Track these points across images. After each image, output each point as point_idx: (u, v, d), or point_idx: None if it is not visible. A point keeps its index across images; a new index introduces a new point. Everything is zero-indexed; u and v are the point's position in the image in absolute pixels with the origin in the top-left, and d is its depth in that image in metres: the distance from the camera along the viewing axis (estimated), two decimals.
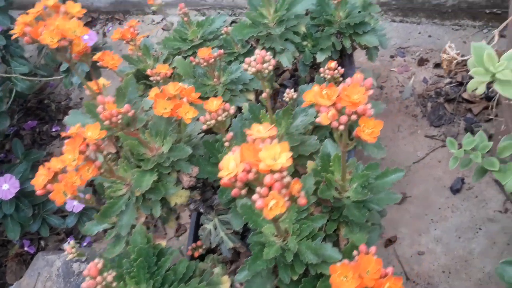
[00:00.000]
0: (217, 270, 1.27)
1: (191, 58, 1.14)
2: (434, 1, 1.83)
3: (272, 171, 0.61)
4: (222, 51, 1.15)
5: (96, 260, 0.82)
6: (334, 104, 0.68)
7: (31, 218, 1.76)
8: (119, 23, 2.87)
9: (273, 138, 0.65)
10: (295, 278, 0.93)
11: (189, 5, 2.52)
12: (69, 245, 1.04)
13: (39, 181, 0.89)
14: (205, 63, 1.15)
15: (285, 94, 1.20)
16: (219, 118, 0.90)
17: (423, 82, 1.88)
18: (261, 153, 0.61)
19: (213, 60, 1.16)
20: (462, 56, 1.02)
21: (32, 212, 1.78)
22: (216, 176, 1.07)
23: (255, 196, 0.61)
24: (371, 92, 0.71)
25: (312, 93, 0.69)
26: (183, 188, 1.07)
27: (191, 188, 1.15)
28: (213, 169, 1.08)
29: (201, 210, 1.22)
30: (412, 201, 1.64)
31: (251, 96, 1.31)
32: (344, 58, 1.54)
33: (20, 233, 1.79)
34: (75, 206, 1.80)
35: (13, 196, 1.64)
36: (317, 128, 1.24)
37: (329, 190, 0.98)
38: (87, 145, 0.82)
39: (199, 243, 1.24)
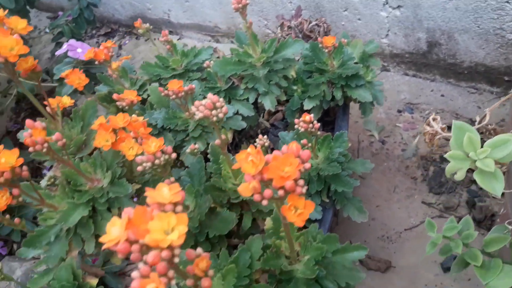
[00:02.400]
0: None
1: (160, 88, 1.06)
2: (450, 59, 1.71)
3: (160, 248, 0.50)
4: (193, 86, 1.07)
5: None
6: (261, 173, 0.58)
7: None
8: (136, 38, 2.87)
9: (176, 204, 0.54)
10: None
11: (204, 31, 2.50)
12: None
13: None
14: (174, 96, 1.07)
15: (257, 140, 1.11)
16: (156, 161, 0.80)
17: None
18: (151, 223, 0.51)
19: (183, 93, 1.08)
20: (447, 131, 0.90)
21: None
22: None
23: (134, 274, 0.50)
24: (308, 165, 0.60)
25: (239, 157, 0.59)
26: None
27: None
28: None
29: None
30: (397, 271, 1.48)
31: (228, 135, 1.22)
32: (337, 108, 1.43)
33: None
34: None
35: None
36: None
37: (277, 258, 0.86)
38: (2, 172, 0.74)
39: None
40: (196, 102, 0.81)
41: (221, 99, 0.80)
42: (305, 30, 1.42)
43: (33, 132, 0.78)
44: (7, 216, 0.94)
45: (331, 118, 1.51)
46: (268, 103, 1.25)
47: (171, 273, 0.50)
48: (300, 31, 1.42)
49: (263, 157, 0.57)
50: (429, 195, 1.61)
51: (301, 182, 0.57)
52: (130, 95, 1.09)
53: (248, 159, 0.57)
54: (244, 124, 1.26)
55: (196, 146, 1.06)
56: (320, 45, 1.20)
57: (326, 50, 1.17)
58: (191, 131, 1.17)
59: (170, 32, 2.73)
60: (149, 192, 0.55)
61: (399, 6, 1.65)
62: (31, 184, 0.85)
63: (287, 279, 0.87)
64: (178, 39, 2.79)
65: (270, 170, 0.57)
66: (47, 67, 2.38)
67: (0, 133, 2.67)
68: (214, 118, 0.79)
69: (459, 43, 1.62)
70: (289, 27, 1.43)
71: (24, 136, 0.78)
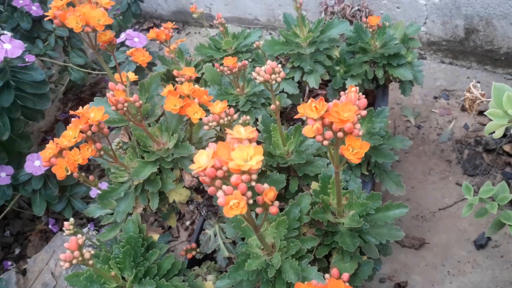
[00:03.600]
0: (211, 277, 1.26)
1: (216, 64, 1.16)
2: (487, 46, 1.75)
3: (241, 172, 0.60)
4: (246, 62, 1.17)
5: (79, 236, 0.84)
6: (322, 118, 0.67)
7: (56, 197, 1.85)
8: (177, 32, 3.01)
9: (252, 141, 0.64)
10: None
11: (244, 23, 2.60)
12: (69, 222, 1.07)
13: (46, 154, 0.93)
14: (228, 72, 1.17)
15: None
16: (221, 121, 0.90)
17: (463, 128, 1.79)
18: (233, 153, 0.61)
19: (236, 69, 1.18)
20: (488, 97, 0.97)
21: (59, 192, 1.87)
22: None
23: (219, 193, 0.60)
24: (364, 113, 0.69)
25: (303, 105, 0.68)
26: (184, 186, 1.08)
27: (194, 190, 1.16)
28: None
29: (202, 213, 1.22)
30: (430, 248, 1.54)
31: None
32: (378, 88, 1.51)
33: (44, 209, 1.88)
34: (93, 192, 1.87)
35: (42, 173, 1.73)
36: None
37: (324, 213, 0.95)
38: (90, 126, 0.86)
39: (193, 245, 1.24)
40: (257, 68, 0.90)
41: (279, 66, 0.89)
42: (347, 15, 1.50)
43: (115, 93, 0.90)
44: None
45: (369, 101, 1.58)
46: (312, 81, 1.33)
47: (249, 193, 0.60)
48: (343, 16, 1.50)
49: (326, 103, 0.66)
50: (463, 177, 1.66)
51: (358, 125, 0.66)
52: (188, 72, 1.20)
53: (312, 106, 0.66)
54: (289, 101, 1.35)
55: (248, 117, 1.15)
56: (364, 26, 1.28)
57: (370, 30, 1.25)
58: (241, 106, 1.27)
59: (210, 26, 2.85)
60: (228, 131, 0.65)
61: None
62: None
63: (332, 232, 0.95)
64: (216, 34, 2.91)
65: (331, 115, 0.66)
66: (92, 59, 2.55)
67: (49, 121, 2.86)
68: (273, 82, 0.88)
69: (497, 29, 1.66)
70: (332, 12, 1.52)
71: (107, 96, 0.89)
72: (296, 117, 0.75)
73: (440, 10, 1.76)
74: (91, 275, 0.97)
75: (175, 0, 2.88)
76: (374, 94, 1.56)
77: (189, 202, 1.21)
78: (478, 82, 1.89)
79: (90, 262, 0.84)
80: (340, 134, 0.66)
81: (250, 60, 1.40)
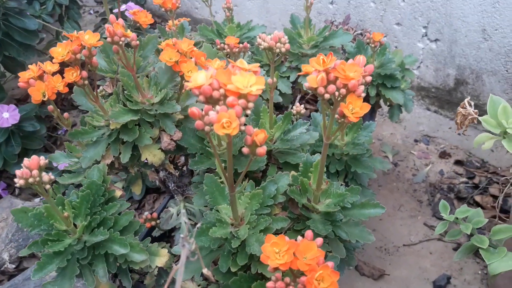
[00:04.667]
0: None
1: (217, 40, 1.14)
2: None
3: (240, 96, 0.57)
4: (248, 44, 1.16)
5: (42, 157, 0.77)
6: (327, 73, 0.65)
7: (16, 156, 1.74)
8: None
9: (255, 73, 0.62)
10: (233, 269, 0.85)
11: None
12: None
13: (26, 74, 0.88)
14: (228, 50, 1.16)
15: (293, 107, 1.18)
16: None
17: (438, 173, 1.81)
18: (234, 77, 0.58)
19: (237, 50, 1.16)
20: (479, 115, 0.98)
21: (19, 155, 1.76)
22: (196, 150, 1.03)
23: (211, 112, 0.57)
24: (369, 78, 0.68)
25: (311, 60, 0.67)
26: (159, 148, 1.03)
27: (171, 157, 1.11)
28: (196, 143, 1.04)
29: (171, 186, 1.16)
30: (389, 281, 1.51)
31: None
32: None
33: (0, 167, 1.76)
34: (59, 165, 1.77)
35: (9, 126, 1.64)
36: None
37: (301, 196, 0.91)
38: (81, 48, 0.81)
39: (154, 215, 1.17)
40: (262, 35, 0.89)
41: (285, 37, 0.89)
42: None
43: (114, 26, 0.86)
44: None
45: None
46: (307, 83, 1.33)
47: (242, 119, 0.56)
48: None
49: (334, 58, 0.65)
50: (432, 218, 1.67)
51: (362, 87, 0.65)
52: (233, 40, 1.16)
53: (320, 59, 0.65)
54: (280, 99, 1.34)
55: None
56: (366, 42, 1.30)
57: (372, 45, 1.27)
58: None
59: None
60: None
61: (436, 40, 1.78)
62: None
63: (305, 217, 0.92)
64: None
65: (337, 71, 0.64)
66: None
67: (25, 91, 2.75)
68: (277, 50, 0.87)
69: (485, 85, 1.73)
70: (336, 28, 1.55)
71: (106, 27, 0.86)
72: (299, 74, 0.73)
73: (436, 56, 1.82)
74: (41, 212, 0.89)
75: (181, 1, 2.90)
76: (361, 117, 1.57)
77: (158, 170, 1.15)
78: (459, 134, 1.95)
79: (47, 186, 0.77)
80: (343, 90, 0.65)
81: (250, 52, 1.40)
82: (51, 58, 0.86)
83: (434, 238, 1.61)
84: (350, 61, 0.69)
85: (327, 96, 0.64)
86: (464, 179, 1.77)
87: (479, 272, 1.44)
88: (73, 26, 2.28)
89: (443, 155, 1.88)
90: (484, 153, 1.85)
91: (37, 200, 1.95)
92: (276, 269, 0.61)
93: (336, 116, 0.68)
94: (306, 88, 0.67)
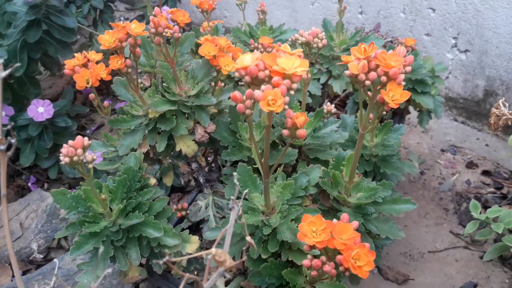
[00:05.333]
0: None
1: (251, 40, 1.18)
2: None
3: (285, 76, 0.60)
4: (281, 44, 1.18)
5: (85, 138, 0.81)
6: (368, 61, 0.67)
7: (47, 151, 1.80)
8: None
9: (299, 57, 0.64)
10: (264, 256, 0.86)
11: None
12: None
13: (71, 62, 0.92)
14: (262, 49, 1.19)
15: (324, 106, 1.20)
16: None
17: (465, 183, 1.79)
18: (279, 59, 0.61)
19: (270, 49, 1.19)
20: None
21: (50, 151, 1.82)
22: (228, 142, 1.06)
23: (257, 91, 0.59)
24: (409, 69, 0.70)
25: (352, 49, 0.69)
26: (193, 140, 1.06)
27: (202, 151, 1.14)
28: (228, 136, 1.07)
29: (201, 179, 1.19)
30: (413, 286, 1.49)
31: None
32: (395, 116, 1.52)
33: (31, 161, 1.82)
34: (96, 153, 1.82)
35: (43, 120, 1.70)
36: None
37: (332, 188, 0.93)
38: (127, 36, 0.85)
39: (185, 205, 1.19)
40: (301, 31, 0.92)
41: (322, 33, 0.91)
42: None
43: (159, 17, 0.90)
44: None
45: None
46: (337, 87, 1.35)
47: (287, 98, 0.59)
48: None
49: (375, 47, 0.67)
50: (458, 226, 1.64)
51: (402, 75, 0.66)
52: (267, 40, 1.20)
53: (361, 47, 0.67)
54: (310, 100, 1.36)
55: None
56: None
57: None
58: None
59: None
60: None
61: (466, 50, 1.78)
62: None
63: (336, 210, 0.93)
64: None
65: (378, 59, 0.66)
66: None
67: (56, 92, 2.84)
68: (315, 45, 0.90)
69: None
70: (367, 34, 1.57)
71: (150, 19, 0.90)
72: (339, 64, 0.75)
73: (465, 67, 1.82)
74: (79, 194, 0.92)
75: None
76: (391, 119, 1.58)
77: (190, 163, 1.18)
78: (487, 145, 1.93)
79: (90, 165, 0.80)
80: (384, 78, 0.66)
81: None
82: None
83: (460, 246, 1.59)
84: (391, 51, 0.70)
85: (367, 82, 0.66)
86: (492, 189, 1.75)
87: (507, 281, 1.42)
88: (106, 29, 2.35)
89: (470, 165, 1.86)
90: None
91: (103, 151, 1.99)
92: (312, 247, 0.62)
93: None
94: (346, 74, 0.69)
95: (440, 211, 1.71)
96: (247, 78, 0.61)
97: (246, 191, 0.84)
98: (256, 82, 0.61)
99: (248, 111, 0.64)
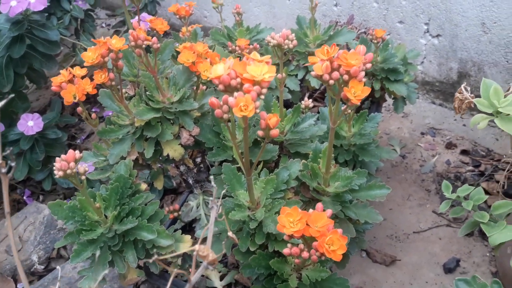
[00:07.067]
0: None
1: (229, 43, 1.23)
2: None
3: (254, 83, 0.65)
4: (257, 45, 1.24)
5: (77, 151, 0.86)
6: (331, 61, 0.73)
7: (40, 163, 1.84)
8: None
9: (267, 63, 0.69)
10: (252, 249, 0.92)
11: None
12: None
13: (57, 79, 0.97)
14: (240, 51, 1.24)
15: (302, 102, 1.26)
16: None
17: (445, 163, 1.87)
18: (249, 67, 0.66)
19: (247, 51, 1.25)
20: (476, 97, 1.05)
21: (43, 159, 1.86)
22: (213, 144, 1.11)
23: (230, 98, 0.65)
24: (369, 65, 0.76)
25: (316, 51, 0.75)
26: (179, 144, 1.11)
27: (190, 153, 1.19)
28: (213, 138, 1.12)
29: (190, 180, 1.25)
30: (400, 266, 1.57)
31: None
32: (372, 105, 1.59)
33: (25, 175, 1.86)
34: (88, 164, 1.87)
35: (33, 134, 1.74)
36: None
37: (312, 179, 0.99)
38: (108, 51, 0.90)
39: (176, 206, 1.25)
40: (272, 33, 0.98)
41: (293, 34, 0.97)
42: None
43: (137, 30, 0.95)
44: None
45: None
46: (314, 81, 1.41)
47: (257, 103, 0.64)
48: None
49: (337, 48, 0.73)
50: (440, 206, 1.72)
51: (363, 73, 0.72)
52: (243, 42, 1.25)
53: (324, 49, 0.73)
54: (289, 96, 1.42)
55: None
56: (369, 38, 1.38)
57: (375, 41, 1.35)
58: None
59: None
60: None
61: (438, 35, 1.85)
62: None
63: (316, 200, 0.99)
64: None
65: (340, 59, 0.72)
66: None
67: (43, 103, 2.88)
68: (286, 47, 0.95)
69: (487, 76, 1.79)
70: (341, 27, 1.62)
71: (129, 33, 0.95)
72: (306, 65, 0.81)
73: (438, 51, 1.89)
74: (75, 205, 0.98)
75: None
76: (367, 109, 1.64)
77: (179, 167, 1.24)
78: (464, 125, 2.01)
79: (83, 177, 0.85)
80: (345, 76, 0.72)
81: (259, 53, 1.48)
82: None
83: (442, 224, 1.67)
84: (352, 49, 0.76)
85: (331, 82, 0.72)
86: (470, 168, 1.83)
87: (487, 254, 1.50)
88: (88, 38, 2.39)
89: (449, 145, 1.94)
90: (489, 142, 1.91)
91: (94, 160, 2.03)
92: (291, 236, 0.68)
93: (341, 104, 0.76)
94: (312, 75, 0.75)
95: (423, 193, 1.79)
96: (221, 87, 0.66)
97: (224, 187, 0.90)
98: (229, 90, 0.67)
99: (225, 116, 0.69)
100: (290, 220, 0.68)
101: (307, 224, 0.68)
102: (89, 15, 2.45)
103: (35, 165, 1.86)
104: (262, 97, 0.65)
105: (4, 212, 2.07)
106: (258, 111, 0.65)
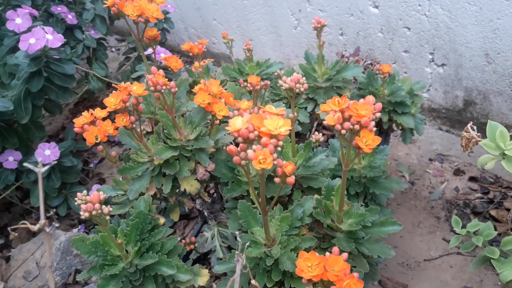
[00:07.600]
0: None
1: (241, 80, 1.28)
2: (483, 119, 1.91)
3: (271, 136, 0.70)
4: (268, 82, 1.29)
5: (101, 192, 0.90)
6: (342, 112, 0.78)
7: (56, 190, 1.89)
8: None
9: (281, 116, 0.74)
10: (269, 285, 0.96)
11: None
12: (82, 193, 1.13)
13: (80, 121, 1.02)
14: (251, 88, 1.29)
15: (312, 135, 1.30)
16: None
17: (454, 190, 1.90)
18: (265, 121, 0.71)
19: (258, 87, 1.30)
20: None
21: (59, 186, 1.91)
22: (228, 178, 1.16)
23: (249, 151, 0.69)
24: (378, 114, 0.80)
25: (328, 101, 0.79)
26: (196, 179, 1.16)
27: (204, 186, 1.23)
28: (227, 173, 1.16)
29: (205, 212, 1.28)
30: None
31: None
32: (380, 135, 1.63)
33: None
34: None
35: (50, 162, 1.79)
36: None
37: (325, 217, 1.02)
38: (129, 96, 0.95)
39: (192, 239, 1.29)
40: (284, 77, 1.02)
41: (303, 78, 1.01)
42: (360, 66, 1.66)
43: (156, 76, 1.00)
44: None
45: None
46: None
47: (275, 155, 0.69)
48: None
49: (347, 100, 0.77)
50: (450, 233, 1.74)
51: (373, 123, 0.77)
52: (254, 79, 1.30)
53: (335, 100, 0.77)
54: (299, 128, 1.46)
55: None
56: (376, 73, 1.43)
57: (381, 76, 1.39)
58: None
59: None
60: (261, 107, 0.75)
61: (443, 64, 1.89)
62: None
63: (330, 236, 1.02)
64: None
65: (351, 110, 0.77)
66: (116, 75, 2.71)
67: (56, 127, 2.96)
68: (297, 90, 1.00)
69: (493, 104, 1.83)
70: (347, 62, 1.68)
71: (146, 78, 1.00)
72: (318, 112, 0.85)
73: (443, 79, 1.93)
74: (97, 240, 1.02)
75: (199, 37, 3.09)
76: None
77: (194, 199, 1.28)
78: (472, 151, 2.03)
79: (107, 217, 0.90)
80: (357, 126, 0.77)
81: (270, 87, 1.53)
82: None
83: (453, 252, 1.69)
84: (361, 100, 0.81)
85: (343, 132, 0.76)
86: (479, 195, 1.85)
87: (499, 283, 1.51)
88: (101, 66, 2.46)
89: (458, 172, 1.96)
90: (497, 169, 1.93)
91: (75, 230, 2.08)
92: (309, 280, 0.71)
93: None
94: (325, 125, 0.79)
95: (433, 220, 1.81)
96: (240, 139, 0.71)
97: (240, 222, 0.93)
98: (247, 142, 0.71)
99: (243, 162, 0.74)
100: (308, 265, 0.71)
101: (324, 268, 0.71)
102: (101, 43, 2.53)
103: (51, 192, 1.91)
104: (279, 148, 0.70)
105: (21, 237, 2.12)
106: (275, 162, 0.69)
